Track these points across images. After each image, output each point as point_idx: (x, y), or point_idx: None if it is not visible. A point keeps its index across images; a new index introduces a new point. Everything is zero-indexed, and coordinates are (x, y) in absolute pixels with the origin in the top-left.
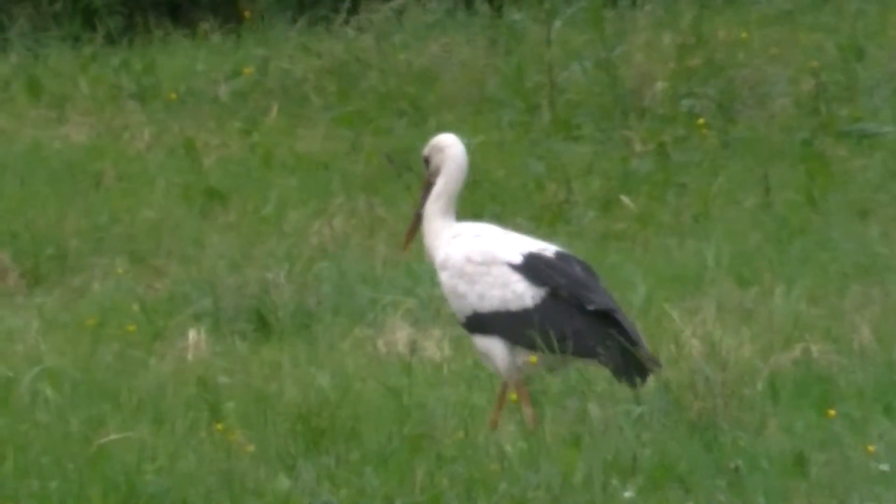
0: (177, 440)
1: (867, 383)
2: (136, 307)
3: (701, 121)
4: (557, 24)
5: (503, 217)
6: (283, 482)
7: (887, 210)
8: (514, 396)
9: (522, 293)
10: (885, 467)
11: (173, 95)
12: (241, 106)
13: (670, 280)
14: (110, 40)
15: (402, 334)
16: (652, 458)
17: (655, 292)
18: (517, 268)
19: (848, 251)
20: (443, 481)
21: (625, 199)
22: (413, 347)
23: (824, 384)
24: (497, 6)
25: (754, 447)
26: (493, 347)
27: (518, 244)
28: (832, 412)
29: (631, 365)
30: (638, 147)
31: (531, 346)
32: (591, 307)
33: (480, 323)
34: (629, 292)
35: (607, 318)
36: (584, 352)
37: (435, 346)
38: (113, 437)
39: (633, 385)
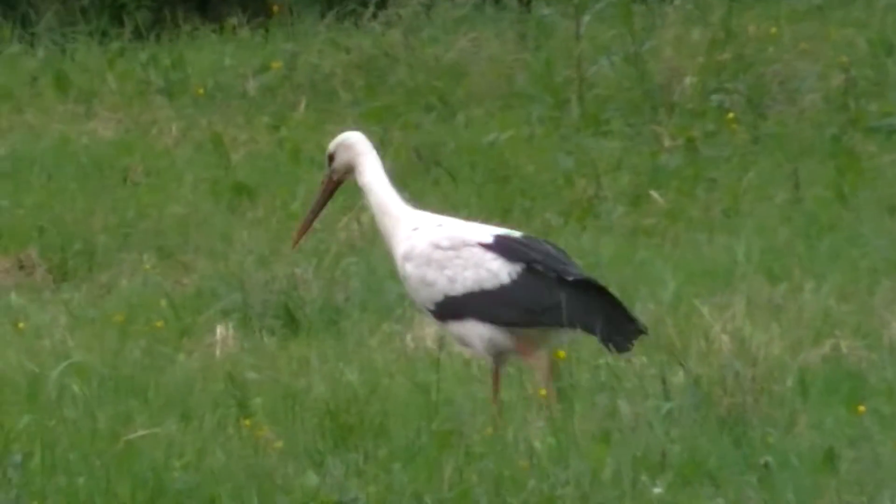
0: (205, 436)
1: None
2: (163, 303)
3: (730, 116)
4: (586, 18)
5: (532, 212)
6: (312, 478)
7: None
8: (542, 392)
9: (498, 270)
10: None
11: (201, 90)
12: (270, 101)
13: (700, 276)
14: (138, 35)
15: (430, 330)
16: (681, 455)
17: (685, 288)
18: (489, 247)
19: (878, 247)
20: (471, 477)
21: (654, 194)
22: (441, 343)
23: (854, 380)
24: (526, 1)
25: (784, 443)
26: (469, 331)
27: (484, 229)
28: (862, 408)
29: (618, 331)
30: (667, 142)
31: (510, 324)
32: (570, 278)
33: (453, 307)
34: (659, 288)
35: (588, 288)
36: (569, 322)
37: None
38: (140, 433)
39: (622, 350)
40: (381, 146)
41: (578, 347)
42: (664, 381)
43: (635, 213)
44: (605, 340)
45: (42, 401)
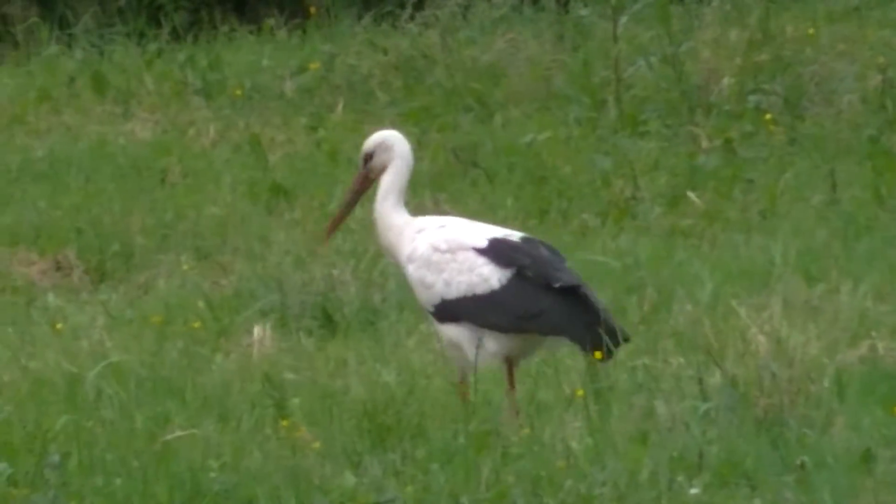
0: (242, 437)
1: None
2: (201, 304)
3: (768, 117)
4: (624, 19)
5: (570, 213)
6: (349, 479)
7: None
8: (579, 392)
9: (489, 276)
10: None
11: (239, 91)
12: (307, 102)
13: (737, 276)
14: (175, 36)
15: None
16: (718, 455)
17: (722, 289)
18: (482, 251)
19: None
20: (508, 478)
21: (691, 195)
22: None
23: (891, 381)
24: (564, 2)
25: (821, 444)
26: (461, 335)
27: (483, 231)
28: None
29: (599, 339)
30: (704, 143)
31: (499, 329)
32: (557, 285)
33: (448, 310)
34: (696, 289)
35: (575, 295)
36: (552, 329)
37: None
38: (178, 433)
39: (601, 360)
40: (419, 147)
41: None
42: (701, 382)
43: (672, 214)
44: (585, 349)
45: (80, 401)
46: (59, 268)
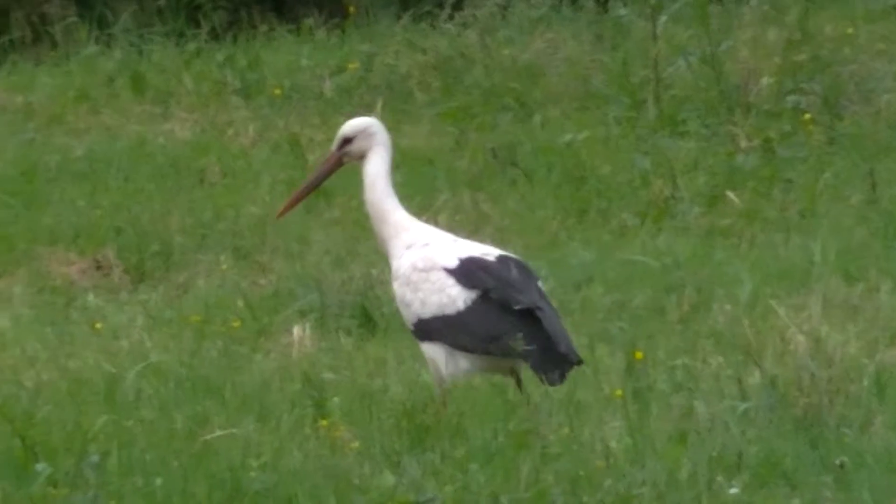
0: (282, 437)
1: None
2: (240, 303)
3: (807, 116)
4: (663, 19)
5: (608, 213)
6: (388, 478)
7: None
8: (618, 392)
9: (456, 297)
10: None
11: (278, 91)
12: (346, 102)
13: (776, 276)
14: (214, 36)
15: None
16: (757, 455)
17: (761, 288)
18: (451, 272)
19: None
20: (548, 478)
21: (730, 194)
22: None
23: None
24: (603, 1)
25: (860, 444)
26: (436, 353)
27: (459, 249)
28: None
29: (552, 361)
30: (743, 143)
31: (467, 350)
32: (517, 307)
33: (424, 329)
34: (735, 288)
35: (533, 317)
36: (507, 351)
37: None
38: (218, 433)
39: (553, 382)
40: (458, 147)
41: (655, 348)
42: (740, 382)
43: (711, 214)
44: (538, 371)
45: (119, 401)
46: (98, 267)
